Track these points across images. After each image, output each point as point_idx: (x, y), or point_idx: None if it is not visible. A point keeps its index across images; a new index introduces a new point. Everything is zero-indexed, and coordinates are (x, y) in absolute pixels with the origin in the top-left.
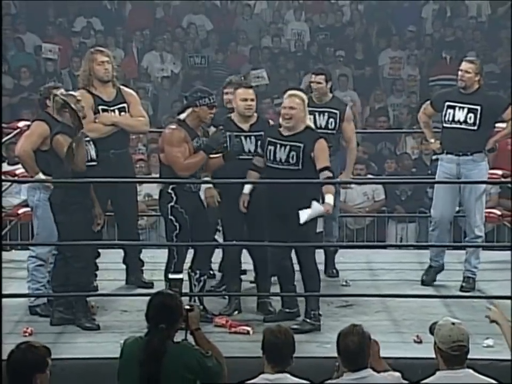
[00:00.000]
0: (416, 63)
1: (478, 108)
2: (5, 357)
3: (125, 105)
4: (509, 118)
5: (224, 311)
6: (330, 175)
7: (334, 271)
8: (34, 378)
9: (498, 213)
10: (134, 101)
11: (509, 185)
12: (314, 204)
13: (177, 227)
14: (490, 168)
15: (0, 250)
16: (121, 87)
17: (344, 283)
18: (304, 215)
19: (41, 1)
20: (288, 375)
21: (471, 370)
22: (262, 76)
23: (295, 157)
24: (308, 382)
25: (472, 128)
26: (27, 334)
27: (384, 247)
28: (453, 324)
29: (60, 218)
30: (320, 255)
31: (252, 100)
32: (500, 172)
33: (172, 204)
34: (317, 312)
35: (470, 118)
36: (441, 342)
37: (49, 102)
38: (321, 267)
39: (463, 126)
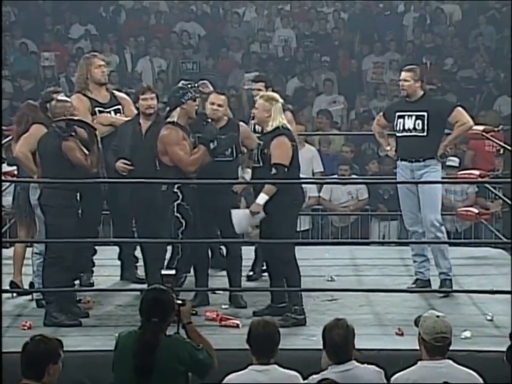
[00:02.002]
0: (397, 68)
1: (425, 113)
2: (3, 349)
3: (119, 107)
4: (455, 121)
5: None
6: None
7: None
8: (47, 369)
9: (476, 211)
10: (127, 103)
11: (486, 184)
12: (233, 213)
13: (184, 224)
14: (469, 169)
15: (0, 247)
16: (114, 91)
17: (329, 278)
18: (238, 228)
19: (39, 10)
20: (277, 366)
21: (451, 361)
22: None
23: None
24: (295, 373)
25: (421, 134)
26: (26, 328)
27: (368, 244)
28: (438, 316)
29: (49, 220)
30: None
31: (219, 105)
32: (477, 172)
33: (179, 201)
34: (298, 307)
35: (418, 125)
36: (426, 333)
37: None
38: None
39: (413, 133)
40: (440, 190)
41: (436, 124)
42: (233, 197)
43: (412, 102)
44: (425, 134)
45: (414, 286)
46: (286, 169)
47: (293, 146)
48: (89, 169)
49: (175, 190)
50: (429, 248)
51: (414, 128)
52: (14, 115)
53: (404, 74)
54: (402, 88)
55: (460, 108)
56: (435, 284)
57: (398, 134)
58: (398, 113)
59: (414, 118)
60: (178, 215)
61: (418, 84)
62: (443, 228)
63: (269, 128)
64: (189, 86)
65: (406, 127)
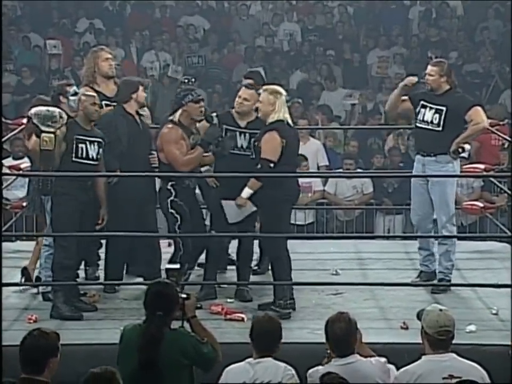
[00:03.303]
0: (402, 62)
1: (444, 108)
2: (8, 342)
3: None
4: (471, 119)
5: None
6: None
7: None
8: (48, 362)
9: (481, 205)
10: None
11: (491, 178)
12: (224, 203)
13: (178, 218)
14: (474, 162)
15: (0, 241)
16: None
17: (334, 272)
18: (229, 217)
19: (45, 3)
20: (271, 359)
21: (454, 354)
22: None
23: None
24: (286, 365)
25: (437, 129)
26: (32, 321)
27: (372, 237)
28: (441, 310)
29: (51, 207)
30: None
31: (245, 99)
32: (482, 166)
33: (172, 198)
34: (282, 301)
35: (436, 119)
36: (429, 326)
37: (62, 98)
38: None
39: (429, 127)
40: (452, 188)
41: (453, 120)
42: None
43: (436, 95)
44: (440, 129)
45: (418, 279)
46: (271, 164)
47: (283, 143)
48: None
49: (168, 187)
50: (435, 243)
51: (432, 122)
52: (18, 109)
53: (429, 68)
54: (426, 82)
55: (478, 107)
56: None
57: (417, 124)
58: (422, 102)
59: (433, 111)
60: (172, 211)
61: (444, 79)
62: (454, 228)
63: (269, 120)
64: (187, 81)
65: (425, 119)
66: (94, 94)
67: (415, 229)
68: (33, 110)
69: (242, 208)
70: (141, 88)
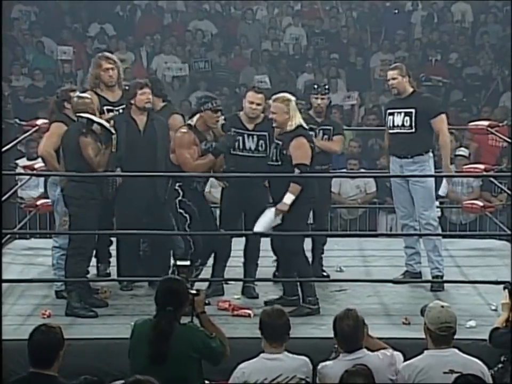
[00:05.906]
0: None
1: (413, 110)
2: (22, 337)
3: None
4: (439, 127)
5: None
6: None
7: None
8: (58, 356)
9: (480, 204)
10: None
11: (490, 178)
12: (266, 212)
13: (188, 218)
14: (474, 163)
15: (0, 238)
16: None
17: (338, 269)
18: (259, 226)
19: (59, 9)
20: (286, 353)
21: (456, 350)
22: (264, 80)
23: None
24: (304, 358)
25: (409, 130)
26: (45, 316)
27: (375, 235)
28: (442, 306)
29: (73, 211)
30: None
31: (258, 104)
32: (482, 166)
33: (180, 198)
34: (312, 297)
35: (407, 121)
36: (431, 323)
37: (67, 104)
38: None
39: (402, 130)
40: (432, 185)
41: (423, 121)
42: (264, 191)
43: (402, 99)
44: (413, 130)
45: (401, 277)
46: (307, 168)
47: (311, 147)
48: (95, 168)
49: (176, 187)
50: (421, 242)
51: (403, 125)
52: (31, 111)
53: (390, 73)
54: (392, 86)
55: (443, 116)
56: (427, 277)
57: (389, 131)
58: (388, 110)
59: (402, 114)
60: (181, 210)
61: (406, 79)
62: (436, 223)
63: (289, 128)
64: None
65: (396, 124)
66: (87, 95)
67: (401, 227)
68: (96, 118)
69: (276, 217)
70: (139, 91)
